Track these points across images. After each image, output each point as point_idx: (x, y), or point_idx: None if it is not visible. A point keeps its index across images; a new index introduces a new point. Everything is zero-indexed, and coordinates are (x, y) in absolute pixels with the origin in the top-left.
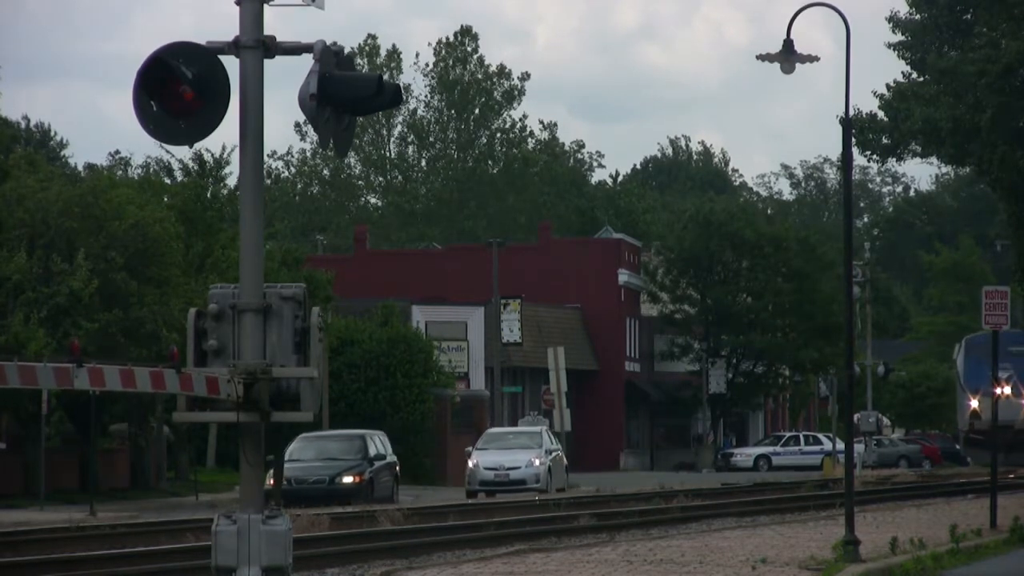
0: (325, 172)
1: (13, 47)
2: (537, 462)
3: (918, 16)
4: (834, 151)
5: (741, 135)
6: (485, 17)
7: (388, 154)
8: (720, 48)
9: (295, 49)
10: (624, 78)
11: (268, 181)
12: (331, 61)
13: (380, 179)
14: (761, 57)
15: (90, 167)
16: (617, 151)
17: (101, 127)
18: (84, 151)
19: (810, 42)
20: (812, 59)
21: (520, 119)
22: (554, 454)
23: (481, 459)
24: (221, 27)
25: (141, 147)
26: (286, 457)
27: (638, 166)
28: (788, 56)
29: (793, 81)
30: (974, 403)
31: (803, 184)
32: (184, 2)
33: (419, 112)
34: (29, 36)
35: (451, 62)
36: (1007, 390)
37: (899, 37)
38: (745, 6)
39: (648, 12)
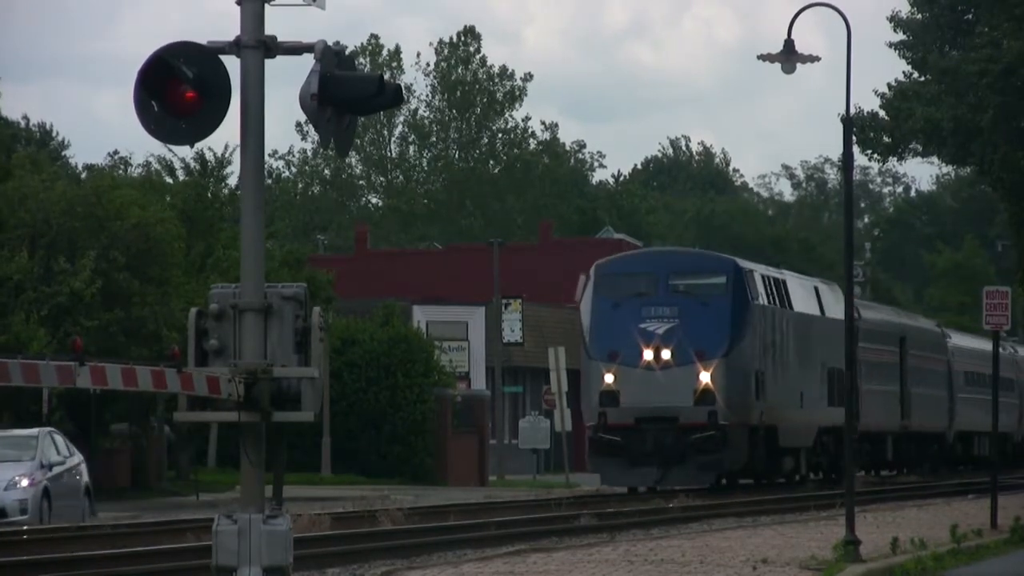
0: (326, 172)
1: (6, 45)
2: (25, 482)
3: (919, 16)
4: (831, 150)
5: (736, 134)
6: (477, 17)
7: (389, 154)
8: (712, 47)
9: (296, 49)
10: (616, 78)
11: (269, 181)
12: (332, 61)
13: (381, 179)
14: (763, 57)
15: (89, 167)
16: (615, 151)
17: (93, 126)
18: (76, 150)
19: (804, 41)
20: (814, 59)
21: (523, 120)
22: (59, 470)
23: None
24: (213, 26)
25: (136, 146)
26: None
27: (639, 166)
28: (789, 56)
29: (788, 80)
30: (609, 378)
31: (804, 184)
32: (173, 2)
33: (420, 112)
34: (19, 34)
35: (453, 62)
36: (666, 354)
37: (900, 37)
38: (736, 4)
39: (638, 11)
